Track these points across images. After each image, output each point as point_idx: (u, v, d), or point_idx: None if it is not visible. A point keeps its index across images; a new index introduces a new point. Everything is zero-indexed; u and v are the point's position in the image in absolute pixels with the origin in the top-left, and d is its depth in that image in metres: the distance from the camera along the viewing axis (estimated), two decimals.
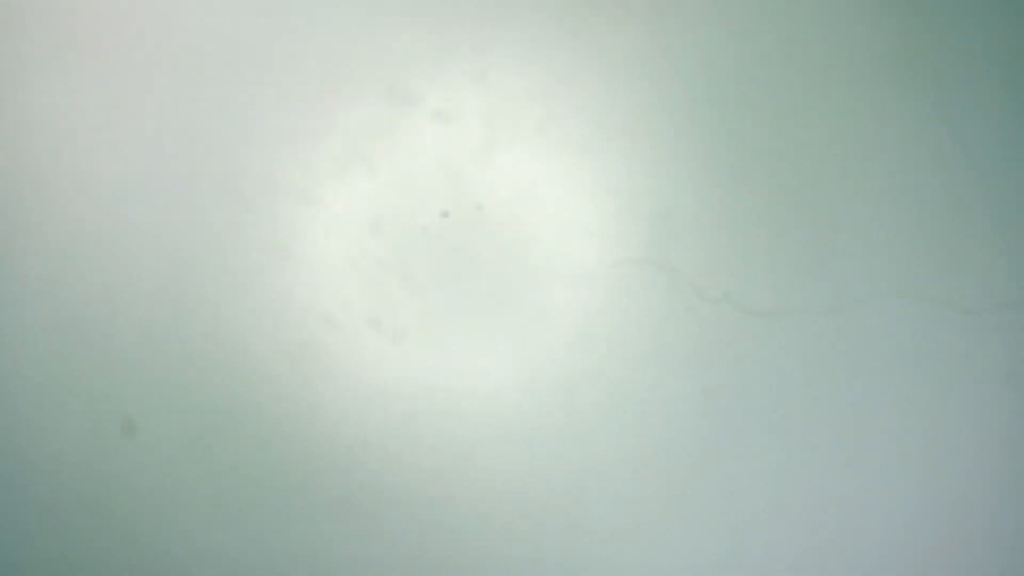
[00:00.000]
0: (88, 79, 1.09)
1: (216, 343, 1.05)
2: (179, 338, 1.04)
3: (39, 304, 1.05)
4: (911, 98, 1.11)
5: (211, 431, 1.04)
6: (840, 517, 1.05)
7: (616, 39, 1.11)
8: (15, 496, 1.03)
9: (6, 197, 1.06)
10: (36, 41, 1.09)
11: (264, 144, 1.08)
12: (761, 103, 1.11)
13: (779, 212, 1.09)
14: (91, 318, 1.05)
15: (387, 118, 1.09)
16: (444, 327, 1.06)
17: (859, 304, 1.07)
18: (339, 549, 1.03)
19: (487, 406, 1.05)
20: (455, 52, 1.10)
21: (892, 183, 1.10)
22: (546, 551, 1.04)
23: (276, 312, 1.05)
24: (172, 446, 1.04)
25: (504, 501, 1.04)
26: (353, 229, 1.07)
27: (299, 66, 1.09)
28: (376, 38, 1.10)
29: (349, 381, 1.05)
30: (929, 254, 1.08)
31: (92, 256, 1.06)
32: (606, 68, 1.11)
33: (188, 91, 1.08)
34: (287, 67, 1.09)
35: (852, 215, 1.09)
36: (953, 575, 1.05)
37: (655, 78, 1.11)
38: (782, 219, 1.09)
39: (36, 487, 1.03)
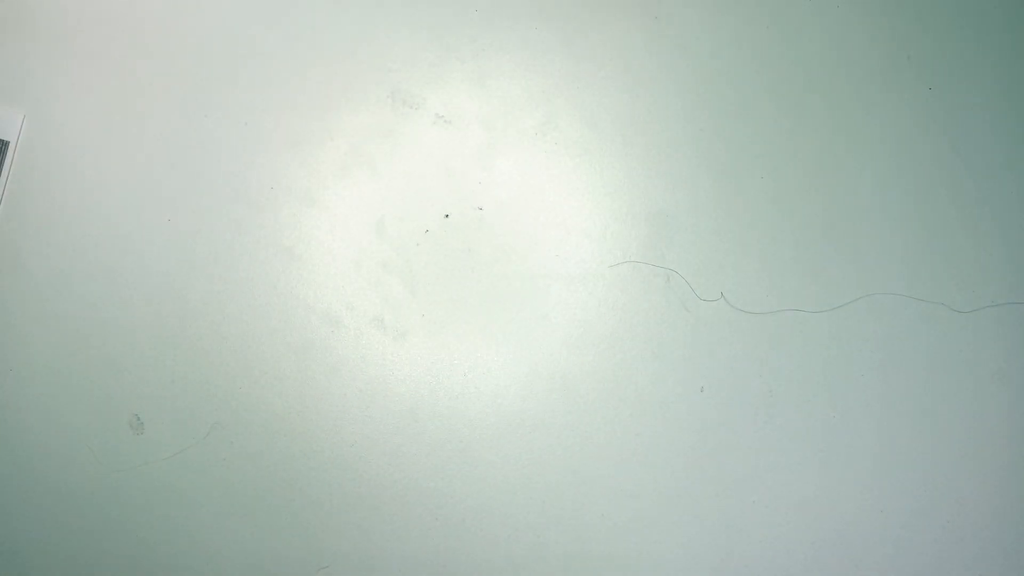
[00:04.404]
0: (99, 84, 1.10)
1: (222, 342, 1.05)
2: (186, 337, 1.05)
3: (47, 303, 1.06)
4: (904, 101, 1.13)
5: (218, 428, 1.04)
6: (833, 511, 1.06)
7: (613, 45, 1.13)
8: (25, 492, 1.03)
9: (16, 197, 1.07)
10: (46, 46, 1.10)
11: (269, 147, 1.09)
12: (756, 108, 1.12)
13: (773, 213, 1.10)
14: (99, 317, 1.06)
15: (389, 122, 1.10)
16: (446, 326, 1.07)
17: (852, 303, 1.08)
18: (343, 541, 1.04)
19: (488, 403, 1.06)
20: (456, 58, 1.12)
21: (884, 185, 1.11)
22: (545, 544, 1.05)
23: (281, 311, 1.06)
24: (180, 443, 1.04)
25: (504, 495, 1.05)
26: (357, 230, 1.08)
27: (304, 72, 1.10)
28: (378, 45, 1.12)
29: (353, 379, 1.06)
30: (922, 254, 1.10)
31: (100, 256, 1.07)
32: (603, 73, 1.12)
33: (194, 95, 1.10)
34: (292, 73, 1.10)
35: (845, 216, 1.10)
36: (946, 568, 1.06)
37: (652, 83, 1.12)
38: (776, 220, 1.10)
39: (46, 483, 1.04)
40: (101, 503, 1.04)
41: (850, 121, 1.12)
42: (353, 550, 1.04)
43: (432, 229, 1.09)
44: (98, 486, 1.04)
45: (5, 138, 1.07)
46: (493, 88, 1.11)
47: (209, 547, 1.04)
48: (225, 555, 1.04)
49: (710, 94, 1.12)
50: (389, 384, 1.06)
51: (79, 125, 1.09)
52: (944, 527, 1.06)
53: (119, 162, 1.08)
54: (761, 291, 1.08)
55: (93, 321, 1.06)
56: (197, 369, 1.05)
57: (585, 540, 1.05)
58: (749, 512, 1.05)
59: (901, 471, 1.06)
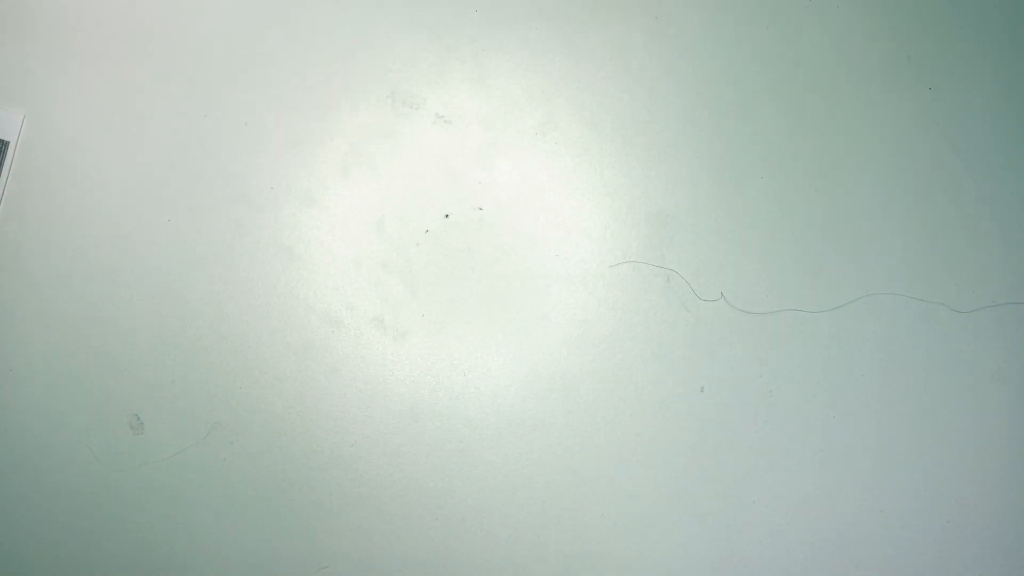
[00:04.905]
0: (99, 84, 1.10)
1: (222, 342, 1.05)
2: (186, 337, 1.06)
3: (47, 303, 1.06)
4: (904, 101, 1.13)
5: (218, 428, 1.04)
6: (833, 511, 1.06)
7: (613, 45, 1.13)
8: (25, 492, 1.03)
9: (16, 197, 1.07)
10: (46, 45, 1.10)
11: (269, 147, 1.09)
12: (756, 108, 1.12)
13: (773, 213, 1.10)
14: (99, 317, 1.06)
15: (390, 122, 1.10)
16: (446, 326, 1.07)
17: (852, 303, 1.09)
18: (343, 541, 1.04)
19: (488, 403, 1.06)
20: (456, 58, 1.12)
21: (884, 185, 1.11)
22: (545, 544, 1.05)
23: (281, 311, 1.06)
24: (180, 443, 1.04)
25: (504, 495, 1.05)
26: (357, 230, 1.08)
27: (304, 72, 1.10)
28: (378, 45, 1.12)
29: (353, 379, 1.06)
30: (922, 254, 1.10)
31: (100, 256, 1.07)
32: (603, 73, 1.12)
33: (195, 95, 1.10)
34: (292, 73, 1.10)
35: (845, 216, 1.10)
36: (946, 568, 1.06)
37: (652, 83, 1.12)
38: (776, 220, 1.10)
39: (46, 483, 1.04)
40: (101, 503, 1.04)
41: (850, 121, 1.12)
42: (353, 550, 1.04)
43: (432, 229, 1.09)
44: (98, 486, 1.04)
45: (5, 138, 1.07)
46: (493, 88, 1.11)
47: (209, 547, 1.04)
48: (225, 555, 1.04)
49: (710, 94, 1.12)
50: (389, 384, 1.06)
51: (79, 125, 1.09)
52: (944, 527, 1.06)
53: (119, 162, 1.08)
54: (761, 291, 1.08)
55: (93, 321, 1.06)
56: (197, 369, 1.05)
57: (585, 540, 1.05)
58: (749, 512, 1.05)
59: (901, 471, 1.06)
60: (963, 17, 1.15)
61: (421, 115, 1.10)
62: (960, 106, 1.12)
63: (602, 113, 1.11)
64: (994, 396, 1.07)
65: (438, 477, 1.05)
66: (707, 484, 1.06)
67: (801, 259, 1.09)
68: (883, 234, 1.10)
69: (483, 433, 1.06)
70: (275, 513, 1.04)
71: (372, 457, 1.05)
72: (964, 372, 1.07)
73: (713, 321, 1.08)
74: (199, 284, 1.06)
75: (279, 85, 1.10)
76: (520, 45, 1.12)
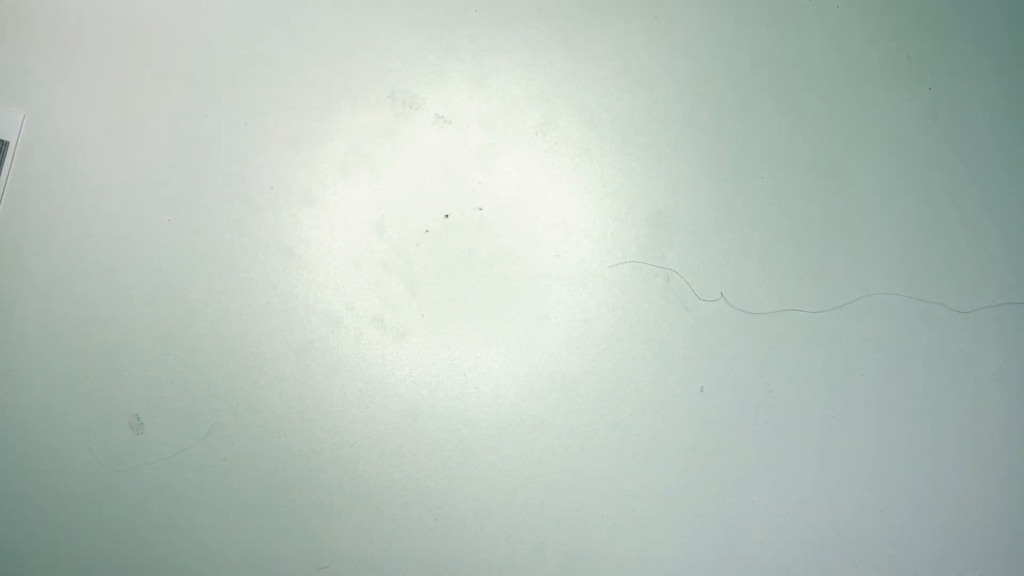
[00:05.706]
0: (99, 84, 1.10)
1: (222, 342, 1.06)
2: (186, 337, 1.06)
3: (47, 303, 1.06)
4: (904, 101, 1.13)
5: (218, 428, 1.04)
6: (833, 511, 1.06)
7: (613, 45, 1.13)
8: (25, 492, 1.04)
9: (16, 197, 1.07)
10: (46, 46, 1.10)
11: (269, 147, 1.09)
12: (756, 108, 1.12)
13: (773, 213, 1.10)
14: (99, 317, 1.06)
15: (389, 122, 1.10)
16: (445, 326, 1.07)
17: (852, 303, 1.09)
18: (343, 542, 1.04)
19: (488, 403, 1.06)
20: (456, 58, 1.12)
21: (884, 185, 1.11)
22: (545, 544, 1.05)
23: (281, 311, 1.06)
24: (180, 443, 1.04)
25: (504, 495, 1.05)
26: (357, 230, 1.08)
27: (304, 72, 1.10)
28: (378, 45, 1.12)
29: (353, 379, 1.06)
30: (922, 254, 1.10)
31: (100, 256, 1.07)
32: (603, 73, 1.12)
33: (194, 95, 1.10)
34: (292, 73, 1.11)
35: (845, 216, 1.10)
36: (946, 568, 1.06)
37: (652, 83, 1.13)
38: (776, 220, 1.10)
39: (46, 483, 1.04)
40: (101, 503, 1.04)
41: (850, 121, 1.12)
42: (353, 550, 1.04)
43: (432, 229, 1.09)
44: (98, 486, 1.04)
45: (5, 138, 1.08)
46: (493, 88, 1.11)
47: (209, 547, 1.04)
48: (225, 555, 1.04)
49: (710, 94, 1.12)
50: (389, 384, 1.06)
51: (79, 125, 1.09)
52: (944, 527, 1.06)
53: (119, 162, 1.09)
54: (761, 291, 1.08)
55: (93, 321, 1.06)
56: (197, 369, 1.05)
57: (585, 540, 1.05)
58: (749, 512, 1.05)
59: (901, 471, 1.06)
60: (963, 17, 1.15)
61: (421, 115, 1.10)
62: (960, 106, 1.12)
63: (602, 113, 1.11)
64: (994, 396, 1.07)
65: (438, 477, 1.05)
66: (707, 484, 1.06)
67: (801, 259, 1.09)
68: (883, 234, 1.10)
69: (483, 433, 1.06)
70: (275, 513, 1.04)
71: (372, 457, 1.05)
72: (964, 372, 1.07)
73: (713, 321, 1.08)
74: (199, 284, 1.06)
75: (279, 85, 1.10)
76: (520, 45, 1.12)
